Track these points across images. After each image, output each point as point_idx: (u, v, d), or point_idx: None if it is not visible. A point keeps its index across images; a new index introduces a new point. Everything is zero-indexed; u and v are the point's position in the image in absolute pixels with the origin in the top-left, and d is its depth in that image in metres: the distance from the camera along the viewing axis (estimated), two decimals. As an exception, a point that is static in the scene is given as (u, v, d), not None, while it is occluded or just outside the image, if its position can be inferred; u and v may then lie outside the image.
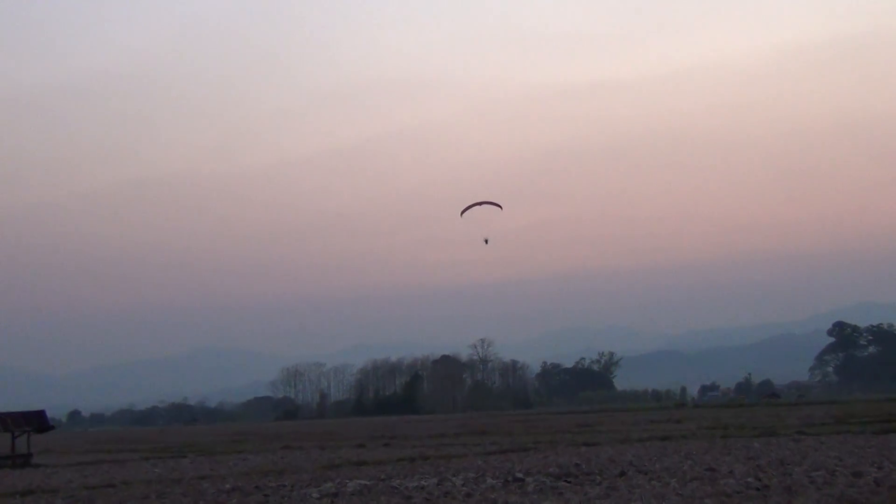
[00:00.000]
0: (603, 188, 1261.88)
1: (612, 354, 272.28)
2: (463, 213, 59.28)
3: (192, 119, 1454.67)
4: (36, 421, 52.34)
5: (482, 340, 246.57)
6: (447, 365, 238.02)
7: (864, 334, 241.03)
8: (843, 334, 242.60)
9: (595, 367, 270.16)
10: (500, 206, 59.89)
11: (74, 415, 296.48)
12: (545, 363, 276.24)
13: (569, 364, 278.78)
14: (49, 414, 58.94)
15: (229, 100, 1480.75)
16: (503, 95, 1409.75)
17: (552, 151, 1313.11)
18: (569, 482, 22.14)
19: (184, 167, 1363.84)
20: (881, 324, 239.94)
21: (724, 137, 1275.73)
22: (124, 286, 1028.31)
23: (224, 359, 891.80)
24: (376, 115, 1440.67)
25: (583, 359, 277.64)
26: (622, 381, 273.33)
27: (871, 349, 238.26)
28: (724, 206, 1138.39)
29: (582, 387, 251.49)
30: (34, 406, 63.65)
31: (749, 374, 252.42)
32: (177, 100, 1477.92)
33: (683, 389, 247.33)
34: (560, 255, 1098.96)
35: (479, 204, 58.65)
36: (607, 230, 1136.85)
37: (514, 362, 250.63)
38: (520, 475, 24.27)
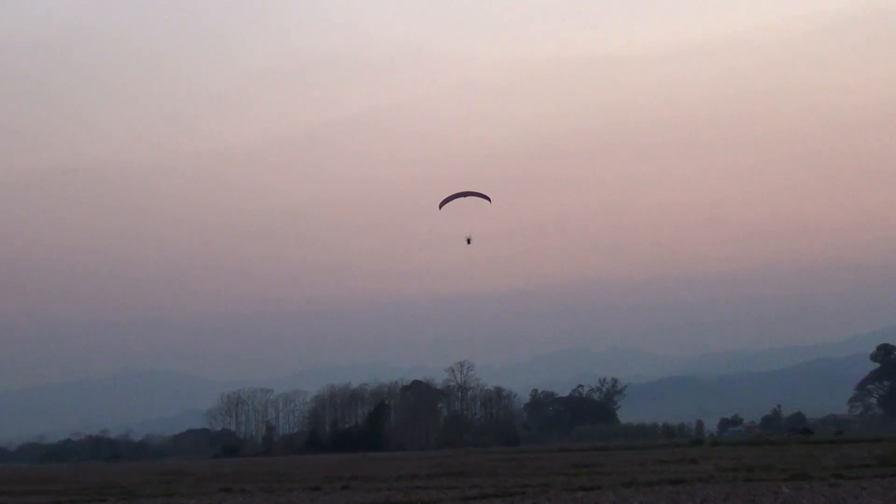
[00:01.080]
0: (608, 185, 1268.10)
1: (615, 381, 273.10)
2: (442, 205, 58.61)
3: (114, 100, 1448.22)
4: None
5: (461, 363, 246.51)
6: (419, 392, 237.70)
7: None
8: (890, 359, 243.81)
9: (595, 396, 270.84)
10: (488, 199, 59.45)
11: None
12: (536, 391, 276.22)
13: (564, 392, 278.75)
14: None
15: (159, 78, 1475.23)
16: (488, 72, 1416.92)
17: (547, 139, 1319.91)
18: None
19: (106, 155, 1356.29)
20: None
21: (750, 125, 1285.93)
22: (32, 295, 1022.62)
23: (151, 383, 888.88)
24: (332, 97, 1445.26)
25: (581, 386, 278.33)
26: (627, 413, 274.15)
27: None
28: (748, 206, 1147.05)
29: (579, 419, 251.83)
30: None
31: (778, 405, 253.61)
32: (97, 76, 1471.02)
33: (700, 423, 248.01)
34: (556, 262, 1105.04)
35: (463, 195, 56.81)
36: (612, 234, 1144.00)
37: (499, 390, 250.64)
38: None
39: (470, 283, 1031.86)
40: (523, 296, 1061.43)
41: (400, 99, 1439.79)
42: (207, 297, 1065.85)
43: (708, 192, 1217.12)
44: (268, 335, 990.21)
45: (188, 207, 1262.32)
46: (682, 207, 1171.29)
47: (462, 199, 56.89)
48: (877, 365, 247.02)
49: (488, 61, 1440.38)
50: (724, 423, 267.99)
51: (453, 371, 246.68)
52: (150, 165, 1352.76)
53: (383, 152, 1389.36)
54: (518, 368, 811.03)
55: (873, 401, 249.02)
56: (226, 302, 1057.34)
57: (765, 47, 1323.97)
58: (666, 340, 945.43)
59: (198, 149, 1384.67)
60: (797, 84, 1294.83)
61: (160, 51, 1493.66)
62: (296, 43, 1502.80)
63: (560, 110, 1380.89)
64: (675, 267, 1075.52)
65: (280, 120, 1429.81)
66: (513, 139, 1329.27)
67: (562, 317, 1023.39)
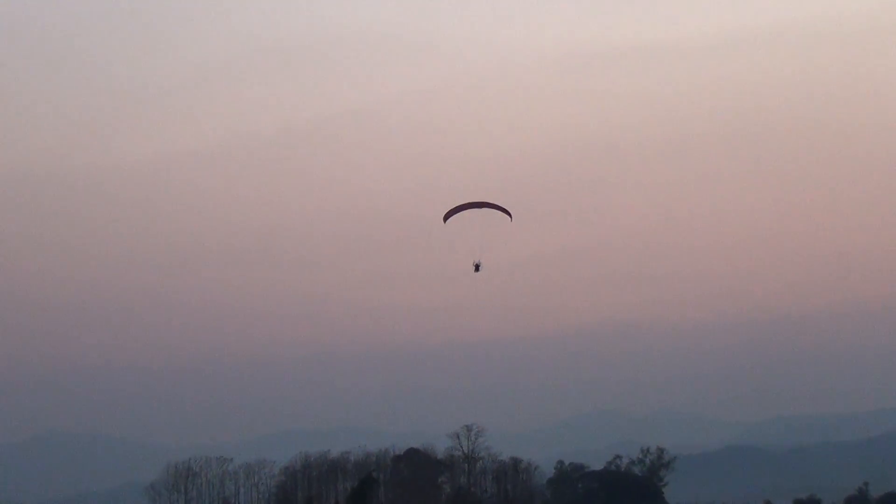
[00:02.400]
0: (654, 203, 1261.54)
1: (661, 451, 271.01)
2: (448, 217, 58.43)
3: (38, 100, 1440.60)
4: None
5: (468, 428, 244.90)
6: (415, 463, 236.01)
7: None
8: None
9: (636, 469, 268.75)
10: (507, 213, 58.97)
11: None
12: (562, 463, 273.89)
13: (597, 465, 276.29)
14: None
15: (93, 74, 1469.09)
16: (501, 64, 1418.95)
17: (577, 146, 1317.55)
18: None
19: (33, 161, 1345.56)
20: None
21: (827, 123, 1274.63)
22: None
23: (78, 449, 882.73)
24: (307, 93, 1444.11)
25: (618, 457, 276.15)
26: (677, 492, 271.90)
27: None
28: (839, 232, 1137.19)
29: (617, 499, 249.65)
30: None
31: (865, 482, 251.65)
32: (24, 71, 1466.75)
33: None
34: (588, 301, 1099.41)
35: (475, 206, 58.03)
36: (658, 266, 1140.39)
37: (516, 461, 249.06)
38: None
39: (479, 326, 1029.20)
40: (546, 343, 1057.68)
41: (393, 95, 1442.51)
42: (149, 342, 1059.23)
43: (786, 212, 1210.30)
44: (225, 390, 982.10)
45: (122, 231, 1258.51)
46: (750, 233, 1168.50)
47: (472, 212, 59.02)
48: None
49: (501, 51, 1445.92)
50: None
51: (458, 437, 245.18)
52: (78, 175, 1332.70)
53: (370, 161, 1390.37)
54: (540, 434, 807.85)
55: None
56: (172, 348, 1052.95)
57: (848, 31, 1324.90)
58: (724, 401, 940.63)
59: (133, 157, 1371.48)
60: (877, 73, 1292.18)
61: (98, 45, 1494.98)
62: (261, 28, 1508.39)
63: (594, 110, 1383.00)
64: (737, 307, 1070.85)
65: (239, 121, 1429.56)
66: (535, 146, 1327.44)
67: (594, 370, 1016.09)
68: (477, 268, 57.00)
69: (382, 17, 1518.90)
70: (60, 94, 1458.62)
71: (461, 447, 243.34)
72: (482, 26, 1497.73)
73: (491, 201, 55.57)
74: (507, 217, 58.24)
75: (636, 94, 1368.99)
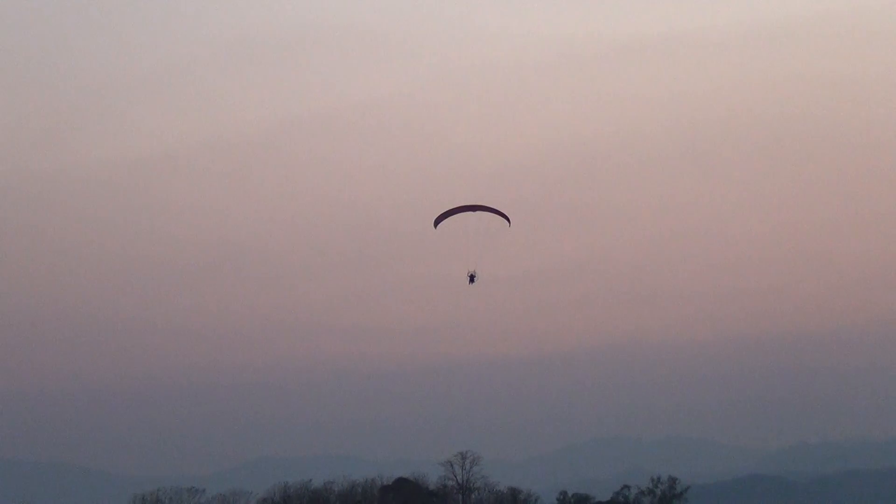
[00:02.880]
0: (667, 211, 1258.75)
1: (673, 481, 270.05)
2: (440, 221, 57.92)
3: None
4: None
5: (462, 455, 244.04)
6: (405, 493, 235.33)
7: None
8: None
9: (646, 500, 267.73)
10: (506, 218, 58.35)
11: None
12: (564, 494, 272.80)
13: (603, 495, 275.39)
14: None
15: (37, 75, 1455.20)
16: (501, 56, 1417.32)
17: (581, 149, 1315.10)
18: None
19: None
20: None
21: (851, 127, 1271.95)
22: None
23: (36, 478, 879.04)
24: (280, 90, 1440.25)
25: (626, 487, 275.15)
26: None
27: None
28: (852, 239, 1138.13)
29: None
30: None
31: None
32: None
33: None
34: (593, 317, 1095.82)
35: (470, 209, 57.54)
36: (665, 280, 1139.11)
37: (515, 491, 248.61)
38: None
39: (473, 343, 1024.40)
40: (547, 363, 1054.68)
41: (377, 94, 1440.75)
42: (109, 361, 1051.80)
43: (808, 222, 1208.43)
44: (197, 413, 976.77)
45: (79, 239, 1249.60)
46: (769, 244, 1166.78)
47: (466, 217, 58.90)
48: None
49: (497, 46, 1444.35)
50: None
51: (452, 465, 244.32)
52: (25, 183, 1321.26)
53: (353, 164, 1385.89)
54: (540, 462, 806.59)
55: None
56: (136, 368, 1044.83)
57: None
58: (741, 427, 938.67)
59: (86, 160, 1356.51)
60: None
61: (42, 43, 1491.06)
62: (229, 18, 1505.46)
63: (603, 108, 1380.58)
64: (754, 326, 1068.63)
65: (203, 123, 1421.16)
66: (535, 148, 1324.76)
67: (599, 392, 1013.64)
68: (472, 279, 56.11)
69: (368, 10, 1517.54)
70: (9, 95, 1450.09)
71: (455, 476, 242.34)
72: (476, 20, 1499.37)
73: (487, 205, 54.44)
74: (506, 222, 57.38)
75: (642, 93, 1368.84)
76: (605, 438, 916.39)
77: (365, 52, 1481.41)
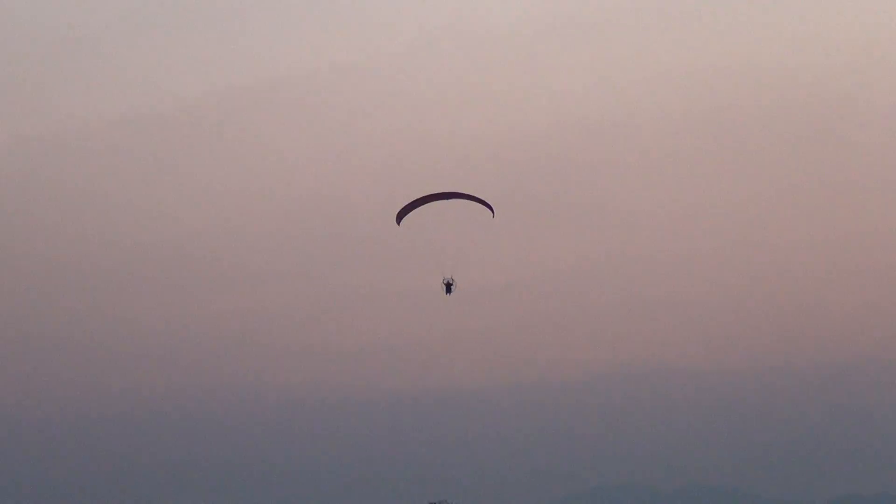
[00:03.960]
0: (687, 205, 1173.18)
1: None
2: (403, 215, 49.73)
3: None
4: None
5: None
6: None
7: None
8: None
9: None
10: (489, 207, 51.41)
11: None
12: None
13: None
14: None
15: None
16: (480, 23, 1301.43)
17: (583, 128, 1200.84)
18: None
19: None
20: None
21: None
22: None
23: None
24: (214, 58, 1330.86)
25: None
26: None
27: None
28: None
29: None
30: None
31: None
32: None
33: None
34: (596, 339, 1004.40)
35: (442, 197, 48.73)
36: (684, 295, 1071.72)
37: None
38: None
39: (450, 370, 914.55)
40: (543, 393, 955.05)
41: (340, 60, 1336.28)
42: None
43: (851, 229, 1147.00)
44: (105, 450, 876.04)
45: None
46: (810, 253, 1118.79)
47: (438, 209, 48.14)
48: None
49: (478, 8, 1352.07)
50: None
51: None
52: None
53: (300, 147, 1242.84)
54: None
55: None
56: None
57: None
58: (779, 474, 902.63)
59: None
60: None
61: None
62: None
63: (616, 80, 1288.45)
64: (797, 350, 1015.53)
65: (117, 95, 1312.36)
66: (531, 130, 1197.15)
67: (607, 429, 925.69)
68: (448, 288, 46.44)
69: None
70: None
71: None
72: None
73: (463, 192, 45.64)
74: (488, 212, 49.00)
75: (666, 63, 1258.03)
76: (613, 486, 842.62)
77: (322, 12, 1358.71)
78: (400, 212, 50.15)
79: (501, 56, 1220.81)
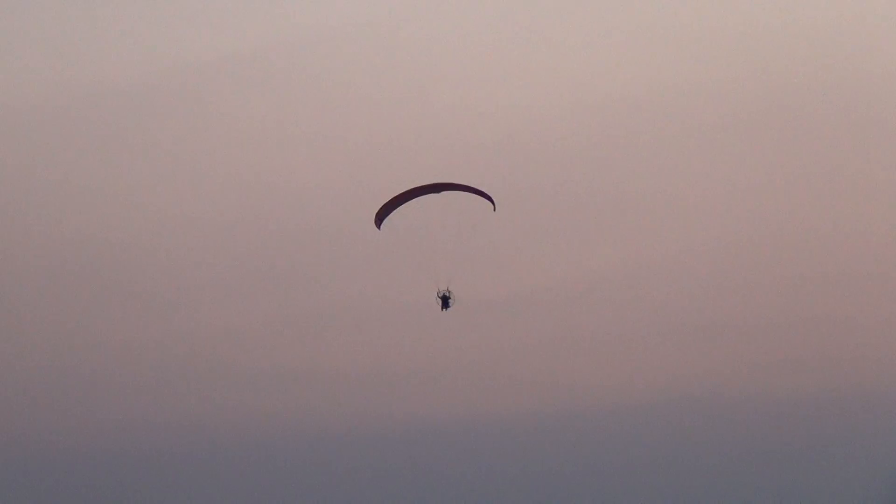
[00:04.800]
0: (738, 197, 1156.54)
1: None
2: (384, 216, 45.08)
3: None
4: None
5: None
6: None
7: None
8: None
9: None
10: (489, 199, 45.66)
11: None
12: None
13: None
14: None
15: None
16: None
17: (613, 107, 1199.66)
18: None
19: None
20: None
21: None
22: None
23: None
24: (165, 29, 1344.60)
25: None
26: None
27: None
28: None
29: None
30: None
31: None
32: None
33: None
34: (628, 360, 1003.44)
35: (432, 190, 45.59)
36: (753, 306, 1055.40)
37: None
38: None
39: (448, 399, 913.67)
40: (565, 427, 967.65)
41: (313, 25, 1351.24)
42: None
43: None
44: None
45: None
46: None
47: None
48: None
49: None
50: None
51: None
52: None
53: (263, 129, 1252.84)
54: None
55: None
56: None
57: None
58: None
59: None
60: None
61: None
62: None
63: (647, 51, 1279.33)
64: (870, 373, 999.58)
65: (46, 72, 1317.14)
66: (542, 110, 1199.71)
67: (644, 472, 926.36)
68: (444, 302, 38.61)
69: None
70: None
71: None
72: None
73: (457, 182, 37.44)
74: (489, 206, 41.70)
75: (706, 30, 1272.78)
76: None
77: None
78: (379, 212, 40.37)
79: (507, 17, 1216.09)
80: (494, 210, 44.19)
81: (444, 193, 43.45)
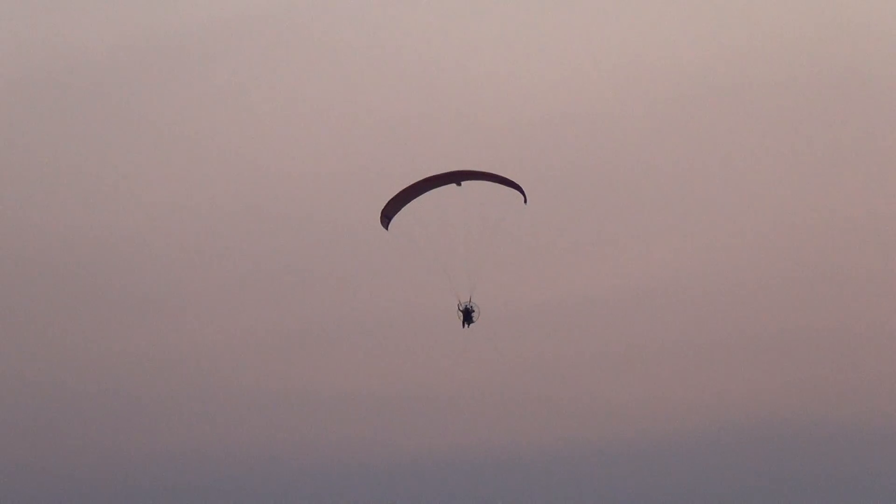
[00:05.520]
0: (823, 187, 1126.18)
1: None
2: (391, 214, 40.78)
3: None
4: None
5: None
6: None
7: None
8: None
9: None
10: (521, 192, 41.31)
11: None
12: None
13: None
14: None
15: None
16: None
17: (672, 78, 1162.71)
18: None
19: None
20: None
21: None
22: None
23: None
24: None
25: None
26: None
27: None
28: None
29: None
30: None
31: None
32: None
33: None
34: (696, 380, 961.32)
35: (448, 181, 40.98)
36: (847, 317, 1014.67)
37: None
38: None
39: (470, 429, 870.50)
40: (616, 458, 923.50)
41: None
42: None
43: None
44: None
45: None
46: None
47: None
48: None
49: None
50: None
51: None
52: None
53: (256, 109, 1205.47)
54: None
55: None
56: None
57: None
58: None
59: None
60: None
61: None
62: None
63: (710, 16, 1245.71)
64: None
65: None
66: (588, 84, 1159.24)
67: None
68: (467, 316, 33.01)
69: None
70: None
71: None
72: None
73: (482, 170, 30.03)
74: (518, 198, 35.86)
75: None
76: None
77: None
78: (386, 208, 33.66)
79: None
80: (526, 203, 37.78)
81: (466, 185, 37.22)
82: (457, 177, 38.04)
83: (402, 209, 37.98)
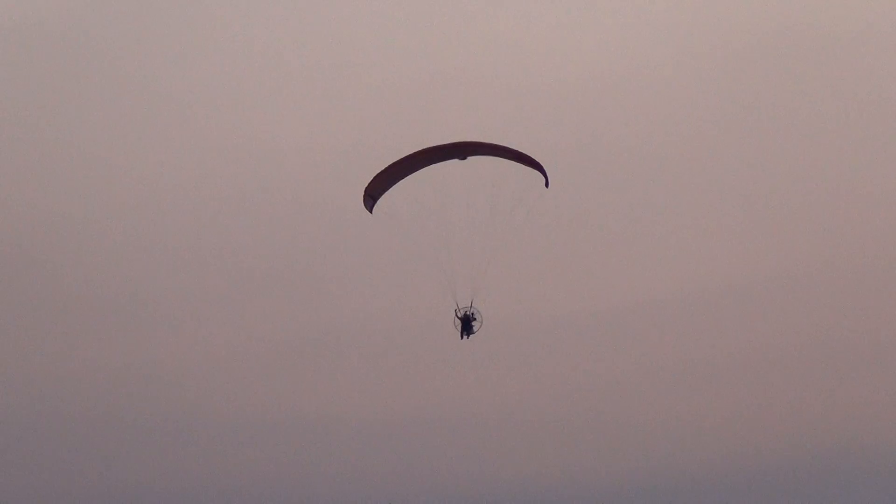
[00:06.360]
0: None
1: None
2: (376, 195, 35.45)
3: None
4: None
5: None
6: None
7: None
8: None
9: None
10: (542, 171, 34.90)
11: None
12: None
13: None
14: None
15: None
16: None
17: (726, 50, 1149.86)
18: None
19: None
20: None
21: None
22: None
23: None
24: None
25: None
26: None
27: None
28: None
29: None
30: None
31: None
32: None
33: None
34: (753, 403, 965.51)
35: (449, 155, 34.84)
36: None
37: None
38: None
39: (477, 461, 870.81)
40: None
41: None
42: None
43: None
44: None
45: None
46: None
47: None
48: None
49: None
50: None
51: None
52: None
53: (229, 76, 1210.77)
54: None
55: None
56: None
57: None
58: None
59: None
60: None
61: None
62: None
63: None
64: None
65: None
66: (615, 57, 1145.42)
67: None
68: (466, 325, 27.80)
69: None
70: None
71: None
72: None
73: (493, 142, 22.10)
74: (539, 180, 29.86)
75: None
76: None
77: None
78: (370, 186, 26.97)
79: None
80: (547, 187, 31.20)
81: (472, 160, 30.52)
82: (460, 150, 31.34)
83: (392, 188, 31.48)
